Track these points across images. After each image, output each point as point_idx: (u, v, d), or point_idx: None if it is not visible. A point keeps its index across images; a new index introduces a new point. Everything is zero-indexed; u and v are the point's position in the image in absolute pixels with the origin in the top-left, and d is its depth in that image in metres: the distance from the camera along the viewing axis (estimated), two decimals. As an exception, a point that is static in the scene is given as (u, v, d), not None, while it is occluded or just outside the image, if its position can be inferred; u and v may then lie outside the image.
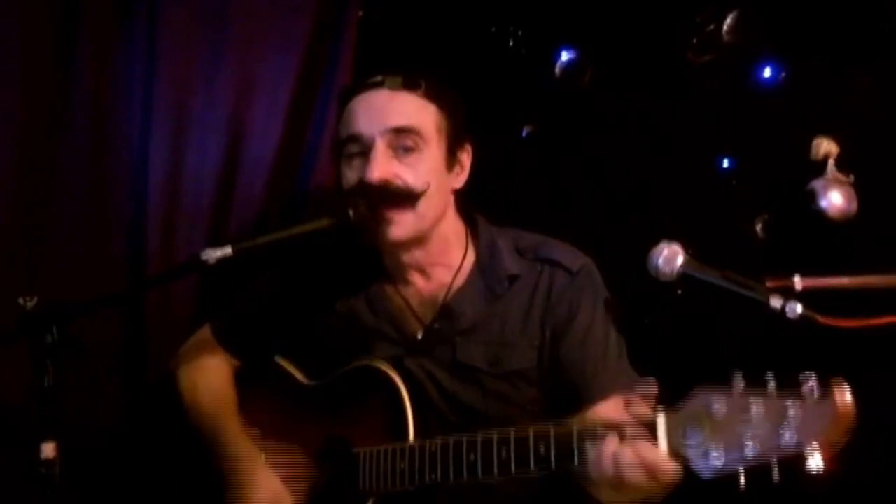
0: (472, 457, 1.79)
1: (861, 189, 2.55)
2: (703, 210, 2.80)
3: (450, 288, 2.09)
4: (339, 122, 2.10)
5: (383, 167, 1.98)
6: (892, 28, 2.61)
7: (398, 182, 1.99)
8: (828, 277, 1.88)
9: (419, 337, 2.08)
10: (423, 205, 2.01)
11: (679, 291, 1.97)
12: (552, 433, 1.71)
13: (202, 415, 2.19)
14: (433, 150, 2.03)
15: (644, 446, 1.56)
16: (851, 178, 2.55)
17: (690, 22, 2.83)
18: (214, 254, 1.85)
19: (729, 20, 2.79)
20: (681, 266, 1.87)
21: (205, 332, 2.30)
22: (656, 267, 1.89)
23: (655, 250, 1.90)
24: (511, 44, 2.97)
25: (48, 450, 1.69)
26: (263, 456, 2.10)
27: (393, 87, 2.03)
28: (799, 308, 1.74)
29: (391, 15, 2.84)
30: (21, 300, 1.76)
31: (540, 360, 2.04)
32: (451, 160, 2.08)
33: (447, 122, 2.07)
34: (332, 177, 2.70)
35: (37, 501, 1.70)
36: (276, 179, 2.67)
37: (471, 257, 2.12)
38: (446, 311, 2.08)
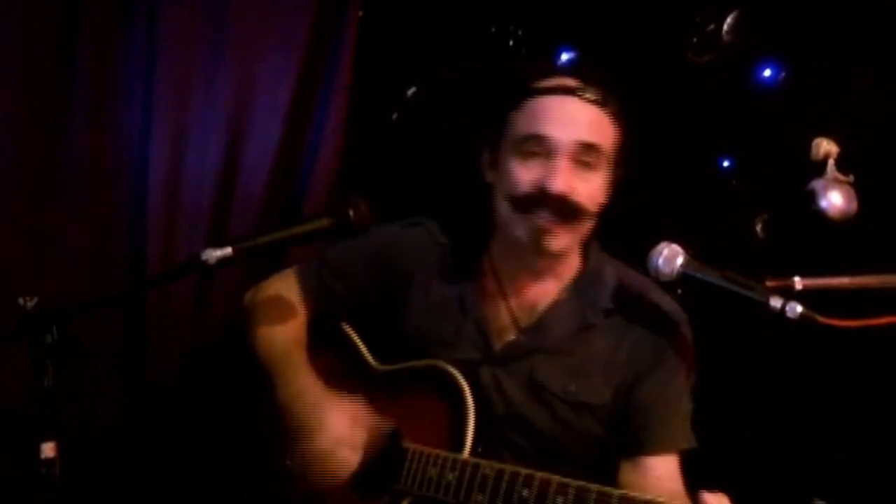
0: (525, 492, 1.78)
1: (861, 189, 2.55)
2: (703, 210, 2.80)
3: (550, 301, 2.06)
4: (513, 111, 2.01)
5: (567, 180, 1.94)
6: (892, 28, 2.61)
7: (575, 197, 1.95)
8: (828, 277, 1.88)
9: (501, 346, 2.05)
10: (584, 224, 2.00)
11: (679, 291, 1.97)
12: (615, 497, 1.69)
13: (275, 343, 2.14)
14: (605, 171, 2.00)
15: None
16: (851, 178, 2.55)
17: (690, 22, 2.83)
18: (214, 254, 1.85)
19: (729, 20, 2.79)
20: (681, 266, 1.87)
21: (291, 278, 2.23)
22: (656, 267, 1.89)
23: (655, 250, 1.90)
24: (511, 44, 2.97)
25: (48, 450, 1.69)
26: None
27: (587, 99, 1.98)
28: (799, 308, 1.74)
29: (391, 15, 2.84)
30: (21, 300, 1.76)
31: (615, 399, 2.01)
32: (612, 183, 2.05)
33: (620, 145, 2.03)
34: (332, 175, 2.71)
35: (37, 501, 1.70)
36: (276, 179, 2.67)
37: (575, 275, 2.09)
38: (535, 326, 2.05)
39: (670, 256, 1.88)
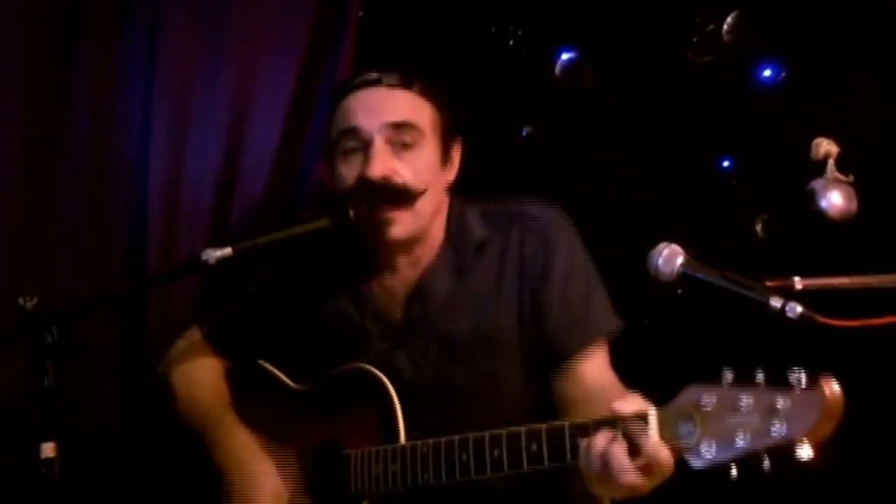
0: (464, 457, 1.79)
1: (861, 189, 2.55)
2: (703, 210, 2.80)
3: (426, 266, 2.10)
4: (331, 119, 2.10)
5: (384, 163, 1.98)
6: (893, 28, 2.61)
7: (398, 179, 1.99)
8: (828, 277, 1.88)
9: (400, 326, 2.09)
10: (421, 203, 2.02)
11: (679, 291, 1.97)
12: (544, 431, 1.70)
13: (199, 410, 2.18)
14: (430, 147, 2.05)
15: (636, 433, 1.56)
16: (851, 178, 2.55)
17: (690, 22, 2.83)
18: (214, 254, 1.85)
19: (729, 20, 2.79)
20: (681, 266, 1.86)
21: (194, 333, 2.30)
22: (656, 267, 1.88)
23: (655, 250, 1.89)
24: (511, 44, 2.97)
25: (48, 450, 1.69)
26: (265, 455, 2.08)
27: (389, 85, 2.04)
28: (799, 308, 1.73)
29: (391, 15, 2.84)
30: (21, 300, 1.76)
31: (521, 317, 2.03)
32: (445, 156, 2.10)
33: (441, 118, 2.08)
34: (332, 176, 2.71)
35: (37, 501, 1.70)
36: (276, 179, 2.67)
37: (444, 233, 2.13)
38: (418, 293, 2.08)
39: (670, 256, 1.87)
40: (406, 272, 2.12)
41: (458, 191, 2.18)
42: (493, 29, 2.96)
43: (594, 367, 1.97)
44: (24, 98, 2.47)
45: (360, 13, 2.74)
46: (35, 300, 1.76)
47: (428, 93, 2.06)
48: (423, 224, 2.05)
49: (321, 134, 2.67)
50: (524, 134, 3.00)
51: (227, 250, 1.86)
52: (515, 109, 2.95)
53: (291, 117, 2.66)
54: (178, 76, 2.60)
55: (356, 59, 2.70)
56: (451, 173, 2.13)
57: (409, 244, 2.08)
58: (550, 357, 2.01)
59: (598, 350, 2.01)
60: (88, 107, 2.55)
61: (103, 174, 2.58)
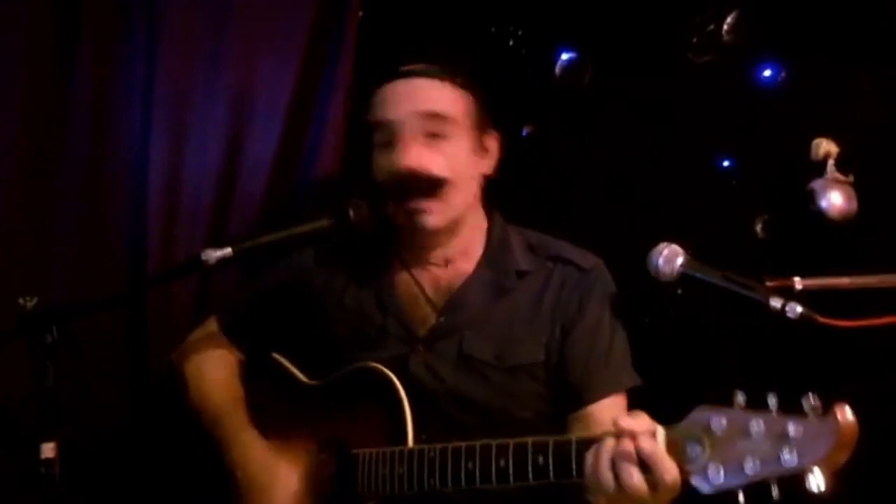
0: (470, 465, 1.78)
1: (861, 189, 2.55)
2: (703, 210, 2.80)
3: (463, 279, 2.09)
4: (368, 107, 2.09)
5: (412, 154, 1.98)
6: (893, 28, 2.62)
7: (427, 170, 1.99)
8: (828, 277, 1.88)
9: (425, 331, 2.07)
10: (450, 193, 2.02)
11: (679, 291, 1.97)
12: (551, 444, 1.69)
13: (209, 405, 2.17)
14: (462, 137, 2.04)
15: (643, 440, 1.54)
16: (851, 178, 2.55)
17: (690, 22, 2.84)
18: (214, 254, 1.85)
19: (729, 20, 2.79)
20: (681, 266, 1.87)
21: (211, 324, 2.30)
22: (656, 267, 1.89)
23: (655, 250, 1.90)
24: (511, 44, 2.98)
25: (48, 450, 1.70)
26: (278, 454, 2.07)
27: (424, 75, 2.03)
28: (799, 308, 1.74)
29: (391, 15, 2.84)
30: (21, 300, 1.76)
31: (547, 355, 2.03)
32: (480, 146, 2.09)
33: (476, 108, 2.07)
34: (332, 175, 2.71)
35: (37, 501, 1.70)
36: (276, 179, 2.66)
37: (484, 250, 2.13)
38: (452, 304, 2.08)
39: (670, 256, 1.88)
40: (439, 275, 2.12)
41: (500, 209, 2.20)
42: (493, 29, 2.96)
43: (610, 412, 1.92)
44: (24, 98, 2.47)
45: (360, 13, 2.74)
46: (35, 300, 1.76)
47: (465, 82, 2.06)
48: (456, 215, 2.05)
49: (321, 133, 2.70)
50: (524, 134, 3.00)
51: (227, 250, 1.86)
52: (515, 109, 2.95)
53: (291, 117, 2.66)
54: (178, 76, 2.59)
55: (356, 59, 2.70)
56: (488, 164, 2.12)
57: (442, 236, 2.08)
58: (568, 400, 2.01)
59: (617, 400, 2.00)
60: (88, 107, 2.54)
61: (103, 174, 2.57)
